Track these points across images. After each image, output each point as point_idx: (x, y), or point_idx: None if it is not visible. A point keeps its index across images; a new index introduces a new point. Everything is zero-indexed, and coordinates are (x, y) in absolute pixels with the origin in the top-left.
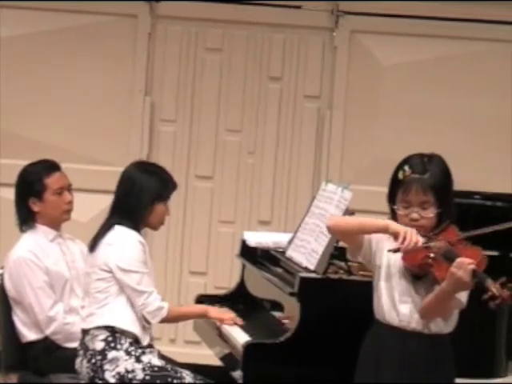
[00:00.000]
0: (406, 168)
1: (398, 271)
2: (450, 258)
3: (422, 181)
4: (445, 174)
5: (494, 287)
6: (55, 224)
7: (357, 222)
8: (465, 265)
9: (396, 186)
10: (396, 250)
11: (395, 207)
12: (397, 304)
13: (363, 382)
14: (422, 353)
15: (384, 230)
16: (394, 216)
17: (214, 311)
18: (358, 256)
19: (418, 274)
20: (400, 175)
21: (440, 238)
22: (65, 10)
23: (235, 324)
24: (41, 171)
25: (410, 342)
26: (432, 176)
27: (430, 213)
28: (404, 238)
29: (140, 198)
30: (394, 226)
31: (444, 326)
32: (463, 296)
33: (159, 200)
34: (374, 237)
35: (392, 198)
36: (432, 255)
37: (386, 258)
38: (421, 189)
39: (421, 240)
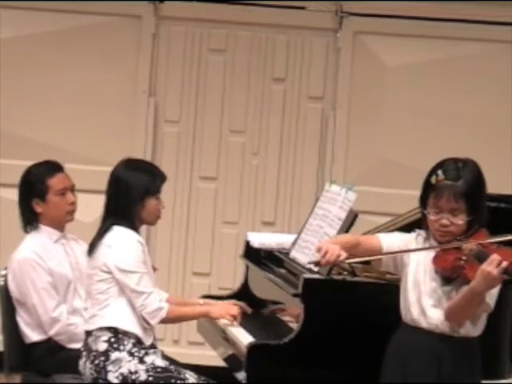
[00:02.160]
0: (440, 173)
1: (428, 274)
2: (481, 258)
3: (455, 188)
4: (478, 182)
5: None
6: (59, 225)
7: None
8: (495, 261)
9: (428, 191)
10: (316, 263)
11: (426, 212)
12: (425, 307)
13: (391, 381)
14: (450, 355)
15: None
16: (424, 220)
17: (216, 312)
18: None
19: (450, 276)
20: (433, 180)
21: (471, 241)
22: (68, 10)
23: (236, 322)
24: (43, 172)
25: (437, 344)
26: (465, 183)
27: (460, 220)
28: (325, 252)
29: (128, 195)
30: (321, 243)
31: (472, 329)
32: (491, 299)
33: (149, 195)
34: (400, 244)
35: (423, 201)
36: (464, 257)
37: (415, 260)
38: (452, 196)
39: (344, 255)
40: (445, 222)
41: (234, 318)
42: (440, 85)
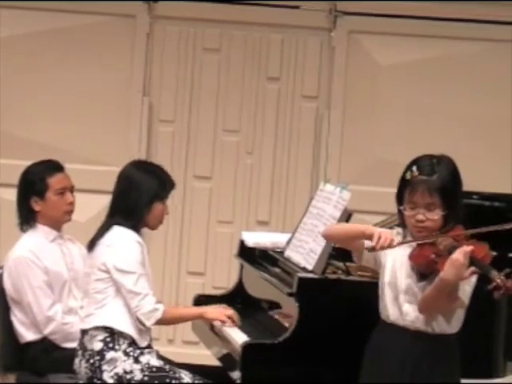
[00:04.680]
0: (414, 169)
1: (404, 271)
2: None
3: (429, 183)
4: (453, 177)
5: (497, 277)
6: (56, 224)
7: (343, 230)
8: (462, 249)
9: (403, 187)
10: (371, 249)
11: (401, 208)
12: (401, 303)
13: (368, 381)
14: (426, 353)
15: (362, 235)
16: (401, 216)
17: (211, 313)
18: (362, 260)
19: (425, 271)
20: (408, 175)
21: (446, 236)
22: (62, 10)
23: (233, 323)
24: (44, 171)
25: (413, 341)
26: (439, 178)
27: (436, 215)
28: (378, 238)
29: (138, 197)
30: (369, 229)
31: (447, 326)
32: (464, 295)
33: (157, 199)
34: None
35: (399, 198)
36: (438, 252)
37: (392, 257)
38: (427, 191)
39: (396, 240)
40: (420, 217)
41: (231, 316)
42: (434, 84)
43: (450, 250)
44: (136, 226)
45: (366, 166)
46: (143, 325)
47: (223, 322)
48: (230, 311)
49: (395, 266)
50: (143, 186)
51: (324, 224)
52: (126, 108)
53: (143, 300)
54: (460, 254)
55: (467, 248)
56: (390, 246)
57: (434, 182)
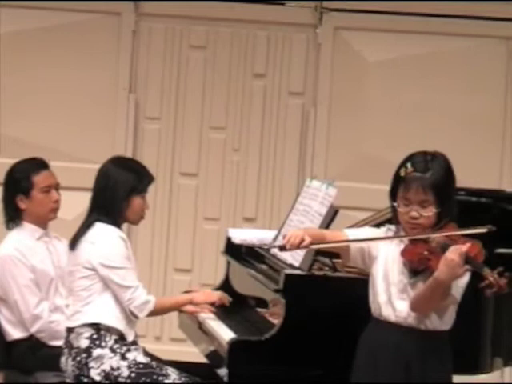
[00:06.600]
0: (408, 165)
1: (396, 267)
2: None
3: (423, 180)
4: (447, 174)
5: (490, 276)
6: (42, 222)
7: None
8: (457, 249)
9: (397, 183)
10: (281, 248)
11: (395, 204)
12: (393, 300)
13: (361, 378)
14: (419, 349)
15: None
16: (394, 213)
17: (200, 297)
18: (349, 261)
19: (417, 268)
20: (402, 172)
21: (439, 233)
22: (48, 7)
23: (224, 304)
24: (29, 169)
25: (406, 338)
26: (433, 175)
27: (429, 212)
28: (289, 237)
29: (115, 192)
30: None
31: (440, 322)
32: (457, 291)
33: (135, 193)
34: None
35: (393, 194)
36: (431, 249)
37: (384, 253)
38: (421, 188)
39: (308, 240)
40: (414, 214)
41: (221, 299)
42: (421, 80)
43: (443, 247)
44: (116, 222)
45: (353, 162)
46: (136, 317)
47: (213, 303)
48: (218, 293)
49: (387, 262)
50: (119, 180)
51: (310, 220)
52: (112, 105)
53: (135, 292)
54: (455, 254)
55: (462, 248)
56: (301, 243)
57: (428, 179)
